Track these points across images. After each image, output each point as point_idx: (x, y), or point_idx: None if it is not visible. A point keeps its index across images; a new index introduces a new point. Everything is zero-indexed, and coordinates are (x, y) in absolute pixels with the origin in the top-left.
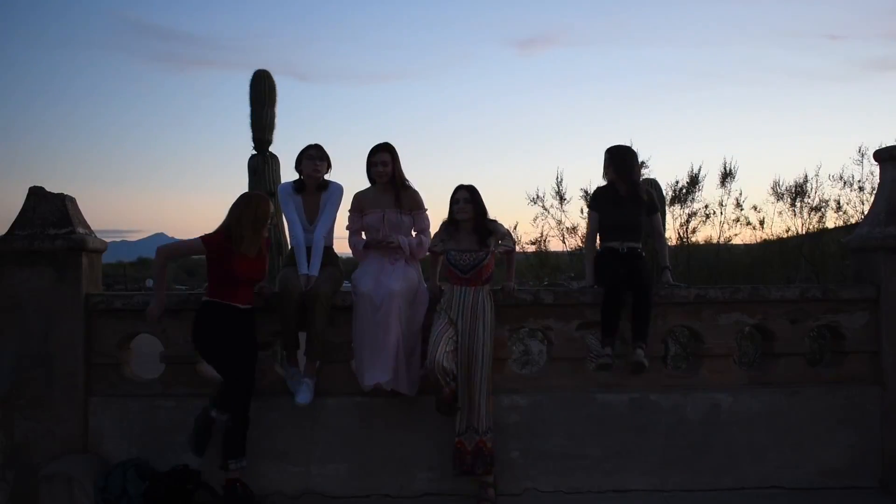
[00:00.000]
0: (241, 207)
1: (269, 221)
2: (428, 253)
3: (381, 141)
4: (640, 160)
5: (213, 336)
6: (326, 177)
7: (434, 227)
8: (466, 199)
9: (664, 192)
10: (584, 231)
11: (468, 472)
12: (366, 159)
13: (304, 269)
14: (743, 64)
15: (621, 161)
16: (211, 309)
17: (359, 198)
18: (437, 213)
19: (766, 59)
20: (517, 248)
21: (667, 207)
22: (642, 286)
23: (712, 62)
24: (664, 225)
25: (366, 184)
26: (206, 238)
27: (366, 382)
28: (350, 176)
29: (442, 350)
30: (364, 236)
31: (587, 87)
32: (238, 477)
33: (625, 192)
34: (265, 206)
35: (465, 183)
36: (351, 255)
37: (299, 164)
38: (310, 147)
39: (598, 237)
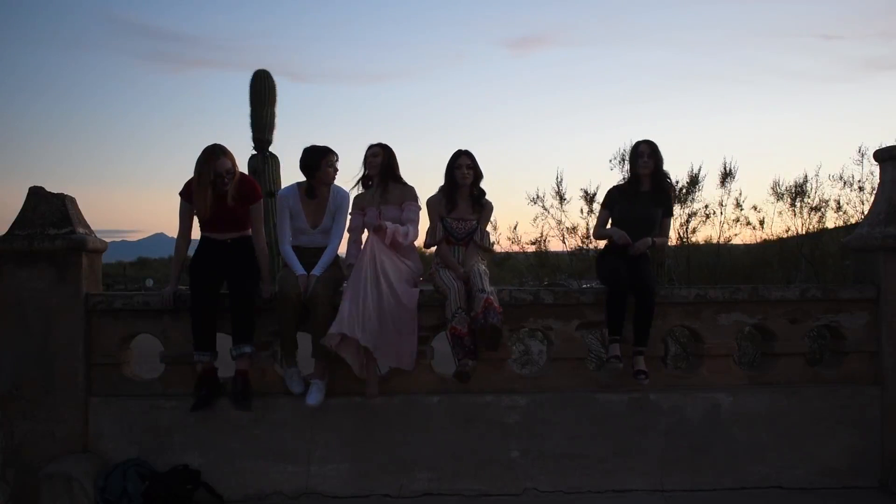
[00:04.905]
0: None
1: (217, 185)
2: (424, 245)
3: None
4: (650, 150)
5: (203, 264)
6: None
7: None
8: (469, 166)
9: None
10: (585, 232)
11: (471, 355)
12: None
13: (300, 271)
14: (738, 64)
15: (631, 157)
16: (199, 244)
17: (359, 198)
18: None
19: (760, 60)
20: (517, 248)
21: None
22: (646, 289)
23: (707, 63)
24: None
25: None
26: (182, 192)
27: (331, 330)
28: (347, 175)
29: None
30: (364, 234)
31: (582, 87)
32: (246, 369)
33: (643, 188)
34: (212, 165)
35: (463, 148)
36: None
37: (316, 168)
38: (328, 151)
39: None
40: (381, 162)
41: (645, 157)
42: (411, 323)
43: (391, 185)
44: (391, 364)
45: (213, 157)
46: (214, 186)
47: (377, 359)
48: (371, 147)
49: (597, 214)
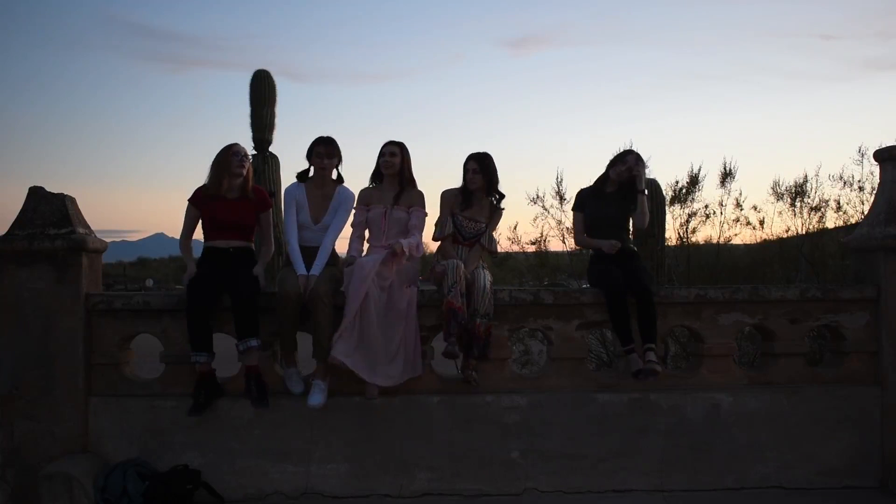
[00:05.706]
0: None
1: (230, 164)
2: (432, 237)
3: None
4: (634, 163)
5: (203, 271)
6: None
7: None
8: (475, 170)
9: (664, 192)
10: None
11: (459, 342)
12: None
13: (301, 271)
14: (737, 64)
15: (614, 158)
16: (202, 254)
17: (365, 193)
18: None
19: (759, 60)
20: (517, 248)
21: (667, 207)
22: (643, 290)
23: (707, 63)
24: (664, 225)
25: (362, 182)
26: (191, 198)
27: (331, 353)
28: (348, 174)
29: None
30: (367, 230)
31: (582, 87)
32: (255, 364)
33: (609, 188)
34: (228, 151)
35: (478, 151)
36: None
37: (310, 157)
38: (320, 142)
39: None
40: (398, 163)
41: (625, 167)
42: (412, 329)
43: (405, 189)
44: (393, 383)
45: (228, 146)
46: (232, 173)
47: (377, 382)
48: (388, 145)
49: None
